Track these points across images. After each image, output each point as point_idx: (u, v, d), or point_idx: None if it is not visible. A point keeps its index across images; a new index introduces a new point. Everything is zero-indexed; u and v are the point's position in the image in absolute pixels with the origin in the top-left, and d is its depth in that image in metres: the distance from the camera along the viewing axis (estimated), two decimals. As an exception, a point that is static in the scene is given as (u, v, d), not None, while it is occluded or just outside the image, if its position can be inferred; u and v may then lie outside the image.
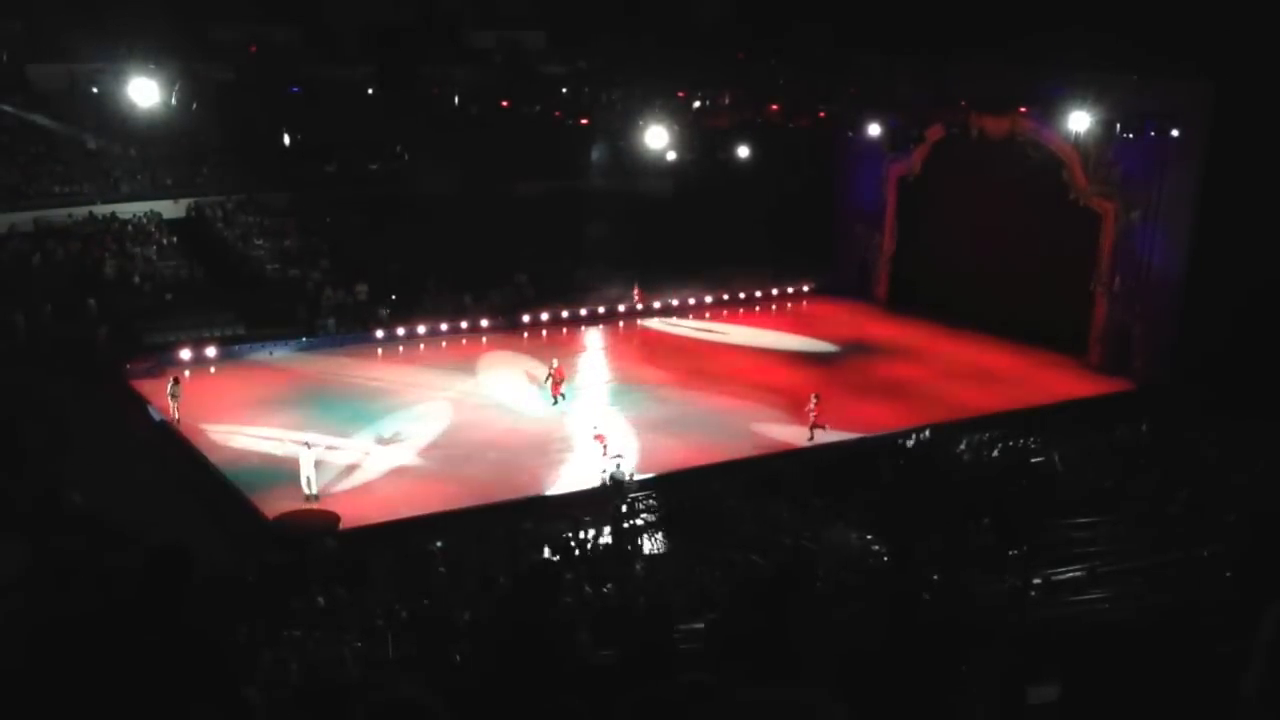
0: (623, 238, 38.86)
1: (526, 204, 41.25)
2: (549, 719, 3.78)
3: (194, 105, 37.02)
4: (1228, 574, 13.65)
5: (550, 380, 29.44)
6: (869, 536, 20.20)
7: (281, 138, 39.03)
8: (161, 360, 31.05)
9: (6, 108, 35.57)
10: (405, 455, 26.04)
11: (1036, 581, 16.79)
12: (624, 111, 37.59)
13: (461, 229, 37.79)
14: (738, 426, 28.44)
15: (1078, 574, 17.28)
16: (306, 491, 22.90)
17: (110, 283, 33.89)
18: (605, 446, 25.98)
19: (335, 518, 22.04)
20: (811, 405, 27.78)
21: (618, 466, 24.00)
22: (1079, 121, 32.30)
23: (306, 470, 22.98)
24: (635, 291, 39.10)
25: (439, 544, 20.32)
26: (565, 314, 38.21)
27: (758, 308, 41.66)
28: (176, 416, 27.25)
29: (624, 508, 22.75)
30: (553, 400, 29.29)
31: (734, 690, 2.83)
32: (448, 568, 19.11)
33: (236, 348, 32.92)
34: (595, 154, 41.70)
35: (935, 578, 15.88)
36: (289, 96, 38.89)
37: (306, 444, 23.84)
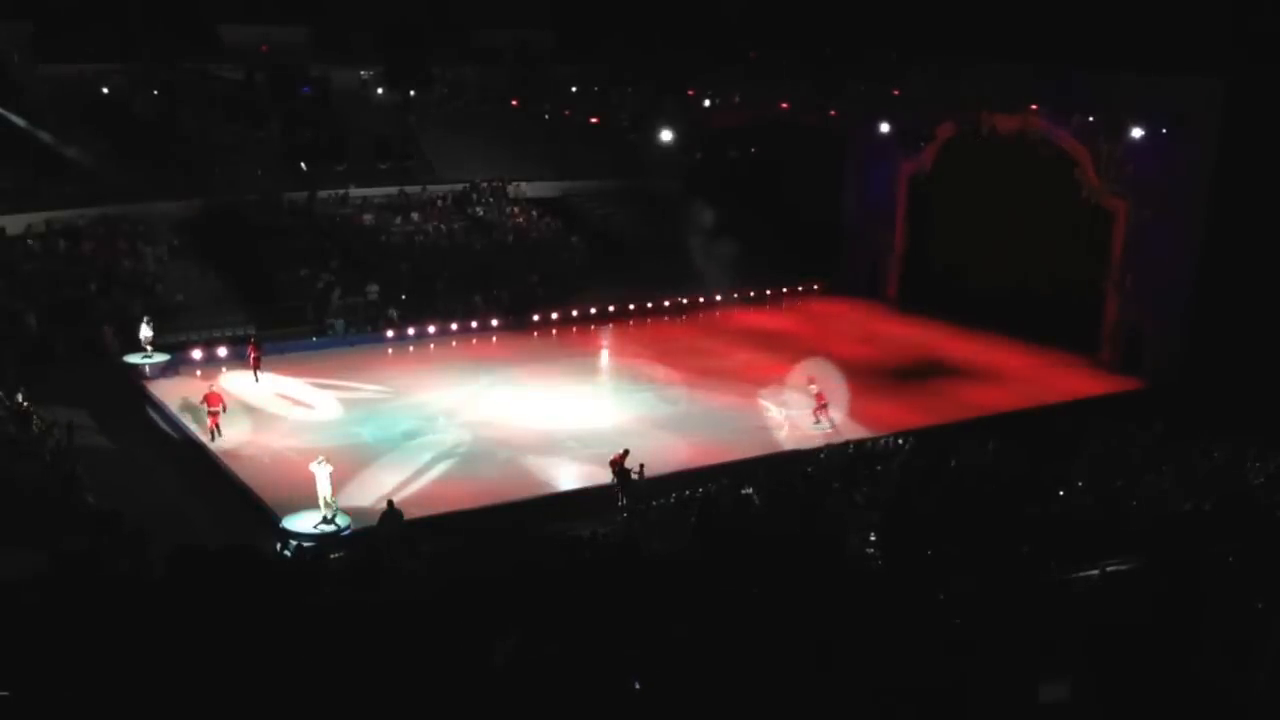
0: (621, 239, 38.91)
1: (533, 205, 41.22)
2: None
3: (205, 105, 37.27)
4: (1239, 573, 13.61)
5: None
6: (876, 537, 20.14)
7: (292, 137, 39.15)
8: (175, 360, 31.17)
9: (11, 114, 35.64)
10: (416, 456, 26.06)
11: (1046, 581, 16.73)
12: (634, 111, 37.59)
13: (469, 229, 37.77)
14: (744, 425, 28.46)
15: (1089, 574, 17.22)
16: (325, 513, 21.97)
17: (122, 283, 33.98)
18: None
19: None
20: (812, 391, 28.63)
21: (626, 454, 23.88)
22: (1091, 120, 32.23)
23: (323, 490, 21.95)
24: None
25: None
26: (575, 313, 38.25)
27: (767, 306, 41.61)
28: (213, 434, 25.97)
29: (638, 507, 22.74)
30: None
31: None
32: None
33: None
34: (604, 153, 41.72)
35: (947, 579, 15.84)
36: (299, 96, 39.04)
37: (322, 459, 22.39)
